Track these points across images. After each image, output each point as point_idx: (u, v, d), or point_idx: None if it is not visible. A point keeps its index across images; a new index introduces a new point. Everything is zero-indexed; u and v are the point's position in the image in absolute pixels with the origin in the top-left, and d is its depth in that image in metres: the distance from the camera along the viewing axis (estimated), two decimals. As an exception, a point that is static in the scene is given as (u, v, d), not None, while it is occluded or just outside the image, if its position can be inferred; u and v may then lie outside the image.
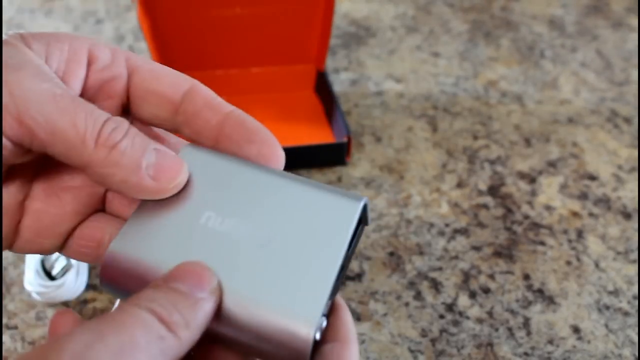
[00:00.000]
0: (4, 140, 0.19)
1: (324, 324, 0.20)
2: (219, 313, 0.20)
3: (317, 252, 0.20)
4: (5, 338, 0.39)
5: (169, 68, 0.24)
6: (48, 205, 0.23)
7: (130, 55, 0.24)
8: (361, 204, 0.21)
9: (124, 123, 0.21)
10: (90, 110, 0.20)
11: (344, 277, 0.22)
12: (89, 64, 0.23)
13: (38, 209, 0.23)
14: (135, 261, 0.21)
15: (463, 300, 0.42)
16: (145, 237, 0.21)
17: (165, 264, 0.20)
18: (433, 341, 0.39)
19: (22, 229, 0.23)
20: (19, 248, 0.23)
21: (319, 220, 0.21)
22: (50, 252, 0.24)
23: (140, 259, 0.21)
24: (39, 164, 0.23)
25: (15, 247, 0.23)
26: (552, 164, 0.53)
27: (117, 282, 0.21)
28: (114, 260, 0.21)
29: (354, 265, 0.44)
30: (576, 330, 0.40)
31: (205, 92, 0.24)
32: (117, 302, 0.40)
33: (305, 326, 0.19)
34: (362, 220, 0.22)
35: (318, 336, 0.19)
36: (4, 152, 0.20)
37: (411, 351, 0.39)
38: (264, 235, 0.21)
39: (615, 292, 0.42)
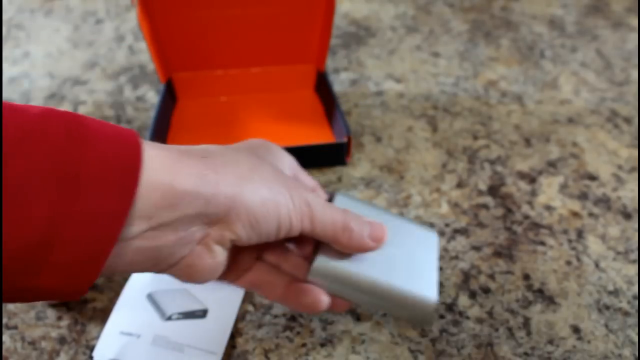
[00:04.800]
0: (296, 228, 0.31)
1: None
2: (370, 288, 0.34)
3: (423, 261, 0.37)
4: (5, 338, 0.39)
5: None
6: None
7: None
8: (436, 234, 0.39)
9: (348, 212, 0.33)
10: (342, 210, 0.33)
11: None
12: None
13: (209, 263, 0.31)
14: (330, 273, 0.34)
15: (463, 300, 0.42)
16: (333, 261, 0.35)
17: (347, 272, 0.34)
18: (433, 341, 0.39)
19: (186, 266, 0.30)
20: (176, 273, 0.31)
21: (419, 242, 0.38)
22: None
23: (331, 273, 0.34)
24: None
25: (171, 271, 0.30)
26: (552, 164, 0.53)
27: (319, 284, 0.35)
28: (320, 270, 0.34)
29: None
30: (576, 330, 0.40)
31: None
32: (118, 302, 0.40)
33: (431, 297, 0.35)
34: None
35: (435, 300, 0.35)
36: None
37: (411, 351, 0.39)
38: (392, 252, 0.36)
39: (615, 292, 0.42)
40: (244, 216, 0.29)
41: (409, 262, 0.36)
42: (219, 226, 0.29)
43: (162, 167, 0.26)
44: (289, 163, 0.35)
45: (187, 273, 0.30)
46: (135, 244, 0.26)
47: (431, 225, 0.47)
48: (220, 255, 0.30)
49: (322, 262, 0.35)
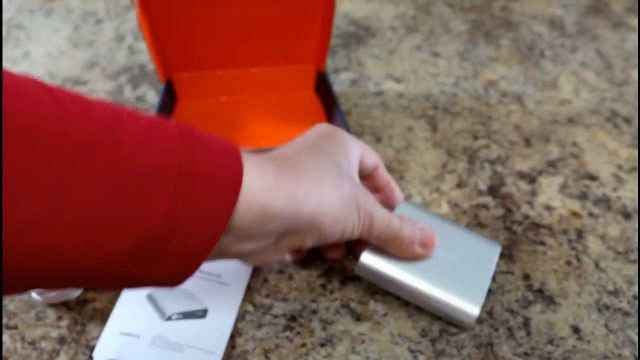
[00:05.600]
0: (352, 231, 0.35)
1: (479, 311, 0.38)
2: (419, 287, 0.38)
3: (477, 271, 0.39)
4: (5, 338, 0.39)
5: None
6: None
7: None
8: (500, 248, 0.41)
9: (404, 219, 0.37)
10: (398, 218, 0.37)
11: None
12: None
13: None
14: (377, 267, 0.38)
15: (463, 300, 0.42)
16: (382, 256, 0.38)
17: (393, 270, 0.38)
18: (433, 341, 0.39)
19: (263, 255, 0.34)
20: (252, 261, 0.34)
21: (477, 253, 0.40)
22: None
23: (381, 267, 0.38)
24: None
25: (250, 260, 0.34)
26: (552, 164, 0.53)
27: (367, 275, 0.39)
28: (365, 266, 0.38)
29: (354, 266, 0.43)
30: (576, 330, 0.40)
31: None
32: (118, 302, 0.40)
33: (474, 307, 0.38)
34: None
35: (478, 313, 0.37)
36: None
37: (411, 351, 0.39)
38: (448, 259, 0.38)
39: (615, 292, 0.42)
40: (315, 233, 0.33)
41: (460, 270, 0.38)
42: (291, 236, 0.33)
43: (259, 188, 0.29)
44: (359, 149, 0.38)
45: (254, 262, 0.34)
46: (222, 250, 0.30)
47: (431, 225, 0.47)
48: (285, 253, 0.35)
49: (368, 259, 0.38)
